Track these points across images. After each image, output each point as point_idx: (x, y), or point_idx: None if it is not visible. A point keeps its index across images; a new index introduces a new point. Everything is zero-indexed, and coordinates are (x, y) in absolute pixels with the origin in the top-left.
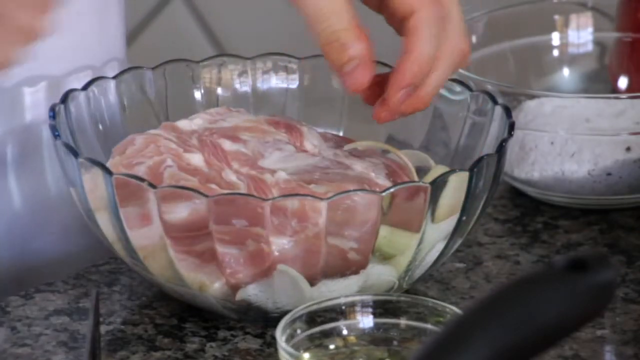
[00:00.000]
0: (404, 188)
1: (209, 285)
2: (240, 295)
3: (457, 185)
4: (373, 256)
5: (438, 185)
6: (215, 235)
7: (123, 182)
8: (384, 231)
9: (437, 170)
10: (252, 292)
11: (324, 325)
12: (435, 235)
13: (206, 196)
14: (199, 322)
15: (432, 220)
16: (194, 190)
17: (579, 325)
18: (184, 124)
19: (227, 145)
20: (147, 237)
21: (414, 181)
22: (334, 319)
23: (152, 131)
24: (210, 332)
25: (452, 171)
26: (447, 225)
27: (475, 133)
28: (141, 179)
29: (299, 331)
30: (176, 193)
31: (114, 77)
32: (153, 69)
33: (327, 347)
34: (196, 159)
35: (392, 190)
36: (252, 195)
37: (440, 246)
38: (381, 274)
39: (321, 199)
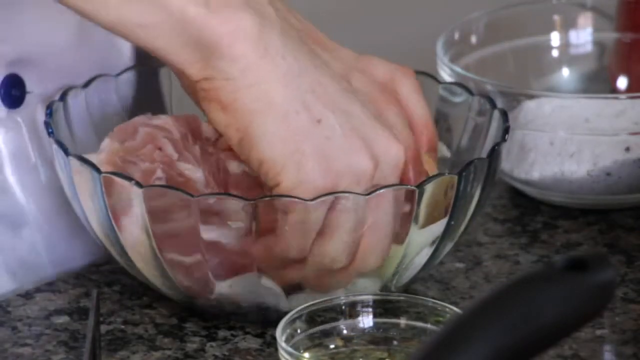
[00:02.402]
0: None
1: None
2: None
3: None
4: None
5: (424, 189)
6: (209, 269)
7: (111, 180)
8: None
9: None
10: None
11: (324, 325)
12: (421, 239)
13: (192, 196)
14: (199, 322)
15: (417, 223)
16: (181, 191)
17: (578, 325)
18: (204, 128)
19: (233, 167)
20: (132, 233)
21: (400, 184)
22: (334, 319)
23: (162, 119)
24: (210, 332)
25: (439, 174)
26: (432, 230)
27: (476, 135)
28: (129, 178)
29: (299, 331)
30: (165, 205)
31: (117, 75)
32: (160, 67)
33: (327, 346)
34: (195, 173)
35: (378, 192)
36: (237, 196)
37: (427, 250)
38: (366, 288)
39: (305, 200)
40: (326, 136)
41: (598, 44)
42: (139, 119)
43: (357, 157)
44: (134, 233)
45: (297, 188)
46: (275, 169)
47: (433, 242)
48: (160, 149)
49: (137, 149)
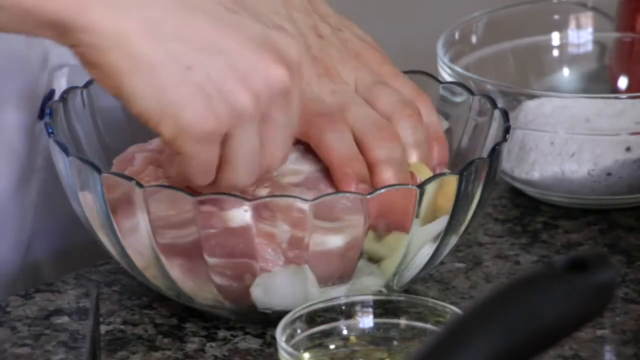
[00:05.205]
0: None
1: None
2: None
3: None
4: (362, 258)
5: (426, 189)
6: (211, 267)
7: (111, 180)
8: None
9: (417, 167)
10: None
11: (324, 325)
12: (422, 239)
13: (192, 196)
14: (199, 322)
15: (419, 222)
16: (181, 191)
17: (579, 325)
18: None
19: None
20: (133, 234)
21: (401, 184)
22: (334, 319)
23: (154, 144)
24: (210, 332)
25: (441, 174)
26: (433, 228)
27: (477, 134)
28: (130, 178)
29: (299, 331)
30: (167, 220)
31: None
32: None
33: (327, 347)
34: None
35: (379, 192)
36: (237, 195)
37: (428, 249)
38: (368, 286)
39: (306, 200)
40: (198, 82)
41: (598, 44)
42: (134, 148)
43: (234, 96)
44: (135, 234)
45: (178, 138)
46: (153, 122)
47: (433, 241)
48: (161, 167)
49: (138, 173)
